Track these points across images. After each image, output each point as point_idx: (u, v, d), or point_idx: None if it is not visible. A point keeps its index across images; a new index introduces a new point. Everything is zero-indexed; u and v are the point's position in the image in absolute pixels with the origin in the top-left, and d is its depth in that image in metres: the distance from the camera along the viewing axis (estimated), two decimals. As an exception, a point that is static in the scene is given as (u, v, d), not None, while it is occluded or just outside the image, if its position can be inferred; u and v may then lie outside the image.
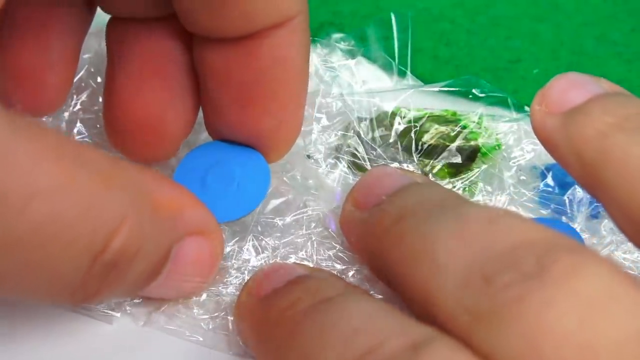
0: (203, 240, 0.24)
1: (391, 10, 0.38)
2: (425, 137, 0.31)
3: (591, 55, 0.37)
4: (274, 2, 0.23)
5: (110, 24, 0.28)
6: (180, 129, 0.27)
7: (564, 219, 0.30)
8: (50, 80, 0.27)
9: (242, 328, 0.25)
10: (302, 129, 0.28)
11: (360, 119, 0.31)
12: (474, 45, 0.37)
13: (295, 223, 0.29)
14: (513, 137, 0.32)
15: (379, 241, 0.24)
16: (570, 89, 0.23)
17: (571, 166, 0.22)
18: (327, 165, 0.31)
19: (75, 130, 0.30)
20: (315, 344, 0.20)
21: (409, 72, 0.32)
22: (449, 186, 0.30)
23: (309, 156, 0.31)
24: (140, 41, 0.27)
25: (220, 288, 0.27)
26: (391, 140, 0.31)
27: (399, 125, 0.31)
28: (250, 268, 0.27)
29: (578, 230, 0.29)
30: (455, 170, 0.31)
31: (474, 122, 0.32)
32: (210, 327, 0.26)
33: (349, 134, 0.31)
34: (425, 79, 0.34)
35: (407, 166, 0.30)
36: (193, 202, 0.24)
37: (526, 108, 0.32)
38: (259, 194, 0.27)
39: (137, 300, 0.27)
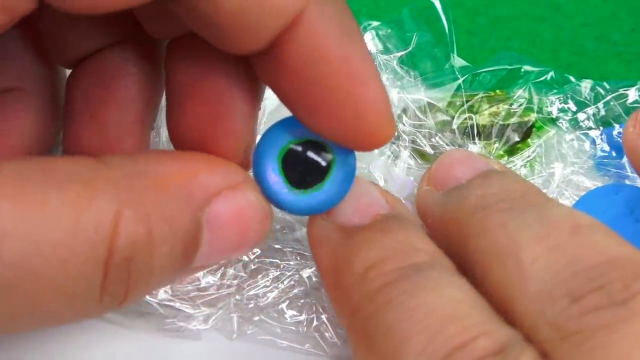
0: (234, 193, 0.22)
1: (391, 10, 0.38)
2: (481, 119, 0.31)
3: (591, 55, 0.37)
4: (269, 7, 0.20)
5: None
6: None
7: (627, 182, 0.30)
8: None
9: (319, 259, 0.23)
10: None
11: (416, 107, 0.31)
12: (474, 45, 0.38)
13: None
14: (563, 108, 0.32)
15: (460, 226, 0.23)
16: None
17: None
18: (391, 155, 0.30)
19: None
20: (403, 324, 0.20)
21: (455, 56, 0.32)
22: (509, 165, 0.30)
23: (369, 149, 0.30)
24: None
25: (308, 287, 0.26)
26: (448, 125, 0.31)
27: (453, 110, 0.31)
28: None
29: (644, 190, 0.29)
30: (512, 148, 0.31)
31: (524, 97, 0.32)
32: (305, 330, 0.26)
33: (407, 122, 0.31)
34: (427, 78, 0.34)
35: (468, 149, 0.30)
36: (207, 162, 0.22)
37: (571, 79, 0.33)
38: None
39: (225, 313, 0.26)
